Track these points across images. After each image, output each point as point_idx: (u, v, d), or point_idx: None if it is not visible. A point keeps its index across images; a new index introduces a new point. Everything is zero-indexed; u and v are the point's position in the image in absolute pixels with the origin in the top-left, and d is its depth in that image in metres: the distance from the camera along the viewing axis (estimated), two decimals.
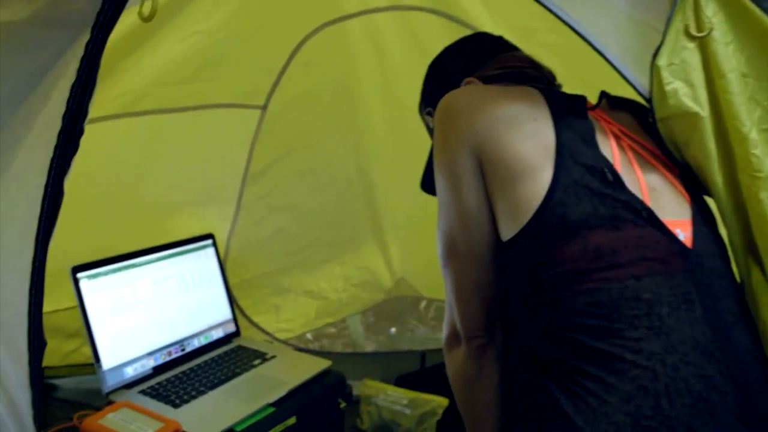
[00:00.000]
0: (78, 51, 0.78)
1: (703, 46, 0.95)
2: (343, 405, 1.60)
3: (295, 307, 2.02)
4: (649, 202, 0.88)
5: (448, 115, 0.96)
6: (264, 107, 1.80)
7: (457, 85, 1.11)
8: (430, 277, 2.08)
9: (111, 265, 1.51)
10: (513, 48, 1.18)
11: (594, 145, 0.92)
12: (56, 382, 1.73)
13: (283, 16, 1.65)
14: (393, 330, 2.21)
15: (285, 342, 2.00)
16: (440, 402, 1.75)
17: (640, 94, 1.04)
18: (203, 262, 1.74)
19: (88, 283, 1.44)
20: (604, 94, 1.08)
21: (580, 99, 1.02)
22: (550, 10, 1.01)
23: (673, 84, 0.96)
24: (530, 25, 1.57)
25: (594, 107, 1.04)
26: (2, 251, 0.82)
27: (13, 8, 0.73)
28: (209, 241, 1.76)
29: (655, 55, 0.96)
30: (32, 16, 0.75)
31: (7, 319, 0.84)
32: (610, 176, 0.88)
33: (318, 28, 1.72)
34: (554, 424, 0.79)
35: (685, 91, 0.96)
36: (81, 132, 0.82)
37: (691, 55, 0.97)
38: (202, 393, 1.45)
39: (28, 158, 0.81)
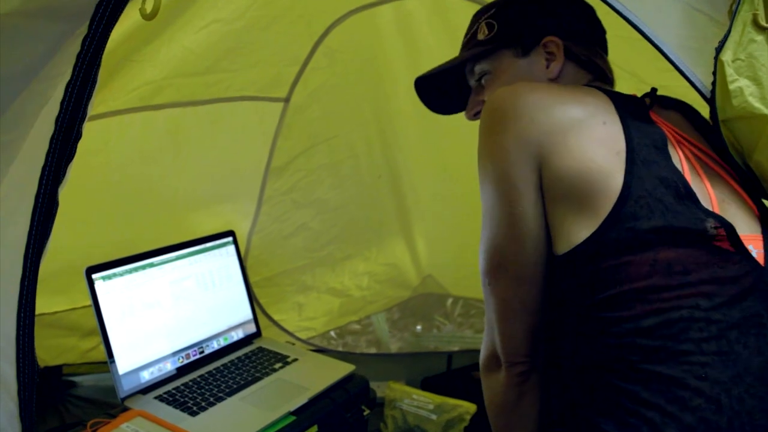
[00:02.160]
0: (74, 47, 0.70)
1: None
2: (366, 412, 1.54)
3: (318, 305, 1.97)
4: (721, 214, 0.81)
5: (502, 117, 0.84)
6: (287, 99, 1.73)
7: (539, 33, 0.98)
8: (458, 273, 2.02)
9: (127, 265, 1.44)
10: (607, 49, 1.08)
11: (666, 154, 0.84)
12: (75, 379, 1.70)
13: (308, 3, 1.57)
14: (419, 327, 2.15)
15: (307, 341, 1.94)
16: (468, 408, 1.70)
17: (700, 93, 0.95)
18: (223, 261, 1.67)
19: (103, 285, 1.39)
20: (652, 92, 0.98)
21: (642, 101, 0.94)
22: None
23: (739, 82, 0.89)
24: None
25: (649, 108, 0.95)
26: None
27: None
28: (230, 239, 1.69)
29: (719, 49, 0.86)
30: (23, 8, 0.67)
31: None
32: (683, 189, 0.80)
33: (345, 15, 1.64)
34: None
35: (751, 90, 0.88)
36: (78, 136, 0.74)
37: (760, 49, 0.89)
38: (221, 399, 1.39)
39: (17, 166, 0.73)
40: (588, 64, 1.00)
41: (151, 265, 1.50)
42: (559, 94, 0.87)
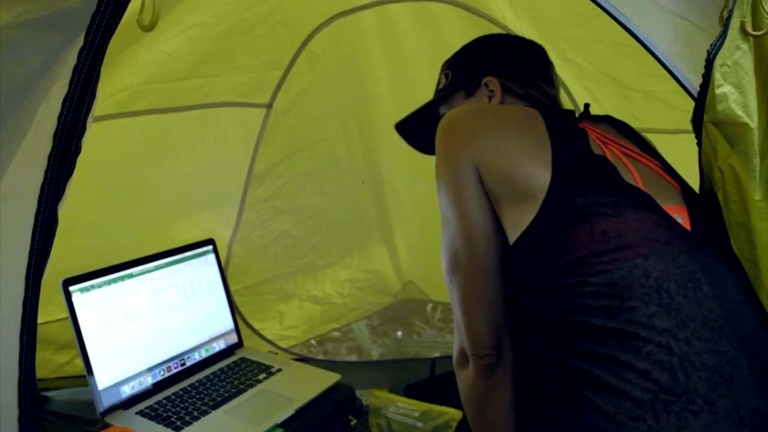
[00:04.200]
0: (70, 59, 0.67)
1: (759, 46, 0.91)
2: (354, 422, 1.52)
3: (299, 313, 1.94)
4: (645, 190, 0.92)
5: (449, 130, 0.99)
6: (269, 105, 1.69)
7: (481, 75, 1.17)
8: (439, 279, 1.99)
9: (105, 276, 1.40)
10: (552, 81, 1.22)
11: (588, 146, 0.95)
12: (48, 394, 1.64)
13: (290, 7, 1.55)
14: (399, 333, 2.14)
15: (287, 350, 1.91)
16: (454, 414, 1.69)
17: (688, 92, 0.99)
18: (204, 270, 1.64)
19: (80, 297, 1.34)
20: (585, 109, 1.11)
21: (570, 112, 1.08)
22: (599, 5, 0.93)
23: (724, 87, 0.92)
24: (554, 16, 1.51)
25: (579, 119, 1.07)
26: None
27: None
28: (210, 247, 1.66)
29: (712, 52, 0.88)
30: (18, 20, 0.64)
31: None
32: (605, 168, 0.91)
33: (328, 20, 1.62)
34: (579, 409, 0.79)
35: (735, 97, 0.92)
36: (77, 152, 0.71)
37: (744, 57, 0.92)
38: (205, 413, 1.35)
39: (15, 183, 0.70)
40: (524, 96, 1.16)
41: (130, 276, 1.46)
42: (494, 110, 1.05)
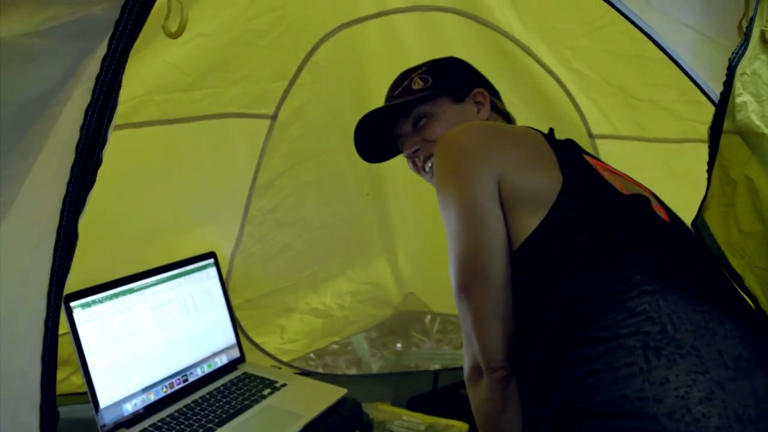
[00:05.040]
0: (93, 68, 0.65)
1: None
2: None
3: (300, 326, 1.91)
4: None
5: (462, 150, 1.01)
6: (274, 116, 1.67)
7: (470, 85, 1.27)
8: (441, 290, 1.98)
9: (106, 291, 1.37)
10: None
11: (585, 161, 1.05)
12: None
13: (294, 18, 1.53)
14: (398, 345, 2.11)
15: (288, 364, 1.88)
16: (459, 427, 1.67)
17: (710, 100, 0.98)
18: (205, 284, 1.61)
19: (82, 313, 1.31)
20: (550, 132, 1.16)
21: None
22: (622, 14, 0.93)
23: (743, 97, 0.91)
24: (561, 27, 1.51)
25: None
26: (7, 311, 0.68)
27: (15, 20, 0.59)
28: (211, 261, 1.63)
29: (733, 61, 0.88)
30: (39, 28, 0.61)
31: (15, 391, 0.69)
32: (601, 181, 1.01)
33: (333, 31, 1.60)
34: (576, 367, 0.83)
35: (753, 107, 0.91)
36: (98, 163, 0.68)
37: (763, 66, 0.91)
38: (211, 430, 1.32)
39: (34, 197, 0.67)
40: (504, 114, 1.29)
41: (132, 290, 1.43)
42: (505, 129, 1.11)
